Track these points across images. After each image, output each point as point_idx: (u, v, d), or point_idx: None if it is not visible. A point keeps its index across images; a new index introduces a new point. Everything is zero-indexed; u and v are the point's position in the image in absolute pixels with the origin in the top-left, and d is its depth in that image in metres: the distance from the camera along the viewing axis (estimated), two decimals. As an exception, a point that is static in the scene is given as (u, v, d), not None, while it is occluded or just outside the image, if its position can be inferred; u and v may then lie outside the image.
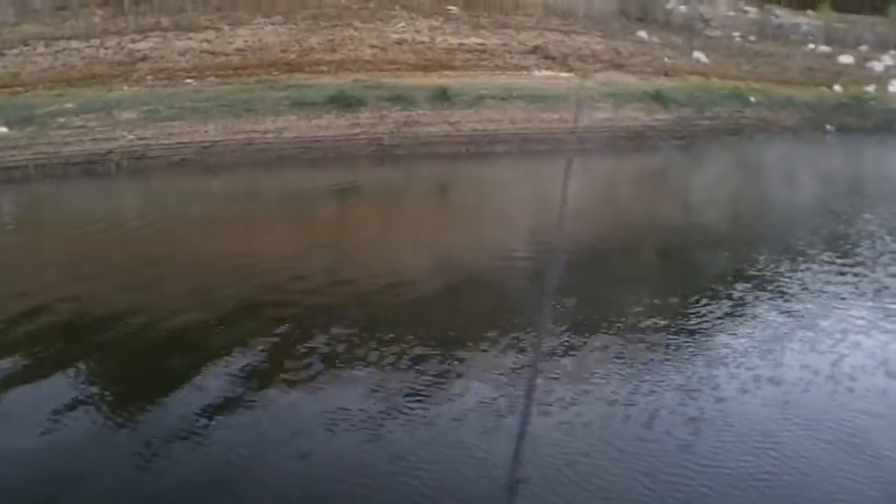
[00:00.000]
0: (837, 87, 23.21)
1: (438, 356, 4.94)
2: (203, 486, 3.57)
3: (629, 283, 6.74)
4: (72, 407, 4.23)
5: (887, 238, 8.43)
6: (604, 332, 5.39)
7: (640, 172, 14.32)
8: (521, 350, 5.03)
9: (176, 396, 4.39)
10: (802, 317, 5.80)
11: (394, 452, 3.80)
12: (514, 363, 4.84)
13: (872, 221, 9.43)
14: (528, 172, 13.08)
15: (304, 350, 5.01)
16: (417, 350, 5.03)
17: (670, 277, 7.27)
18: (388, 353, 4.97)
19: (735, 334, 5.45)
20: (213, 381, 4.57)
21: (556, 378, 4.61)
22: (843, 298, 6.28)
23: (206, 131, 12.79)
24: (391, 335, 5.27)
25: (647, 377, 4.67)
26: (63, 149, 11.79)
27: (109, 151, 11.95)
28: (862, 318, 5.77)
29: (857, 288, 6.58)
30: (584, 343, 5.21)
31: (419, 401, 4.35)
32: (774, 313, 5.89)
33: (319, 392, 4.48)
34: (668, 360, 4.99)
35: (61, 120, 12.47)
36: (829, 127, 19.80)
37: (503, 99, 15.29)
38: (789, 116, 19.48)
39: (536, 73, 18.25)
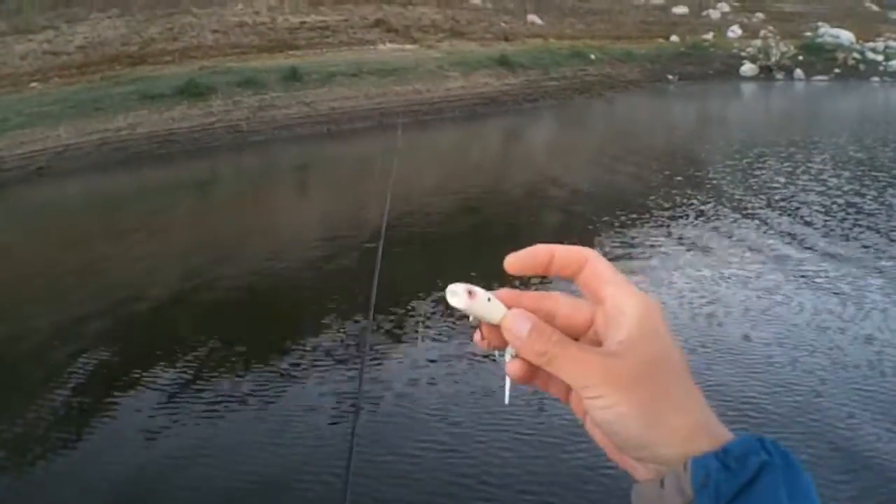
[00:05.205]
0: (675, 38, 24.80)
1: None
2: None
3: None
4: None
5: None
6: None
7: (499, 137, 14.89)
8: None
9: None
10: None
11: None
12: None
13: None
14: (387, 147, 13.08)
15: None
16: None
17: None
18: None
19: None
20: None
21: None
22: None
23: (59, 136, 12.39)
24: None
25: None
26: None
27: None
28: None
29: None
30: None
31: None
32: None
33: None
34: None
35: None
36: (671, 77, 21.21)
37: (354, 75, 15.64)
38: (631, 70, 20.75)
39: (381, 46, 18.72)
